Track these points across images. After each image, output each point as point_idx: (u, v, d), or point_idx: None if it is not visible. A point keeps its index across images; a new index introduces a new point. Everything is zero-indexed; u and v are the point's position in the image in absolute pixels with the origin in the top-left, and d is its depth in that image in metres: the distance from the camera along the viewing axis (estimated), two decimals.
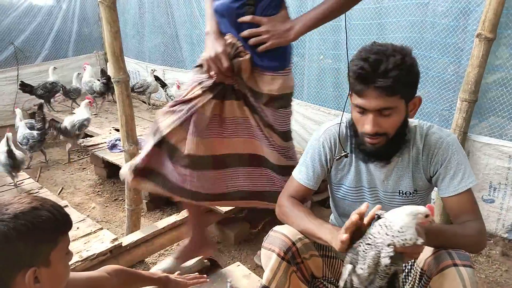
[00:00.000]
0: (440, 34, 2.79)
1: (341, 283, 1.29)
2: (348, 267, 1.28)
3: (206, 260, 2.39)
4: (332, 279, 1.62)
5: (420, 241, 1.19)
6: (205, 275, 1.89)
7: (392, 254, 1.17)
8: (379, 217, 1.30)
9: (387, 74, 1.31)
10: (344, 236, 1.26)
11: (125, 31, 5.60)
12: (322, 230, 1.43)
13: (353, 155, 1.60)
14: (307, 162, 1.67)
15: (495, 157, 2.69)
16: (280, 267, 1.48)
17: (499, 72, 2.65)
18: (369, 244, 1.21)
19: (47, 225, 1.06)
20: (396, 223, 1.18)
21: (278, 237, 1.51)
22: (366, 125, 1.39)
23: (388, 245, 1.17)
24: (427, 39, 2.85)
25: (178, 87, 4.59)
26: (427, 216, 1.19)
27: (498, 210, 2.75)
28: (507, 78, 2.60)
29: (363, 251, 1.23)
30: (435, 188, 1.59)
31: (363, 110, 1.40)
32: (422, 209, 1.20)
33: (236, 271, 2.12)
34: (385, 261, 1.17)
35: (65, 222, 1.12)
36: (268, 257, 1.50)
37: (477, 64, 2.60)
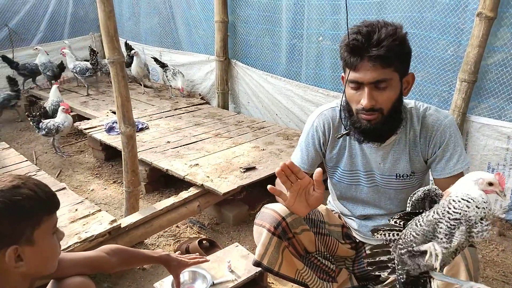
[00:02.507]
0: (440, 13, 2.75)
1: (437, 265, 1.16)
2: (434, 247, 1.16)
3: (205, 241, 2.41)
4: (326, 254, 1.63)
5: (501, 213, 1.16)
6: (205, 256, 1.91)
7: (490, 227, 1.11)
8: (429, 192, 1.25)
9: (380, 43, 1.31)
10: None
11: (121, 12, 5.51)
12: None
13: (347, 138, 1.60)
14: (302, 145, 1.68)
15: (493, 138, 2.69)
16: (271, 242, 1.49)
17: (500, 53, 2.62)
18: (457, 219, 1.13)
19: (28, 203, 1.05)
20: (477, 195, 1.12)
21: (268, 213, 1.53)
22: (362, 100, 1.38)
23: (482, 218, 1.11)
24: (427, 18, 2.81)
25: (182, 90, 4.57)
26: (490, 184, 1.12)
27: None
28: (508, 58, 2.57)
29: (449, 227, 1.14)
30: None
31: (358, 86, 1.39)
32: (487, 176, 1.13)
33: (235, 251, 2.14)
34: (485, 235, 1.10)
35: (50, 202, 1.11)
36: (260, 233, 1.52)
37: (477, 44, 2.57)
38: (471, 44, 2.60)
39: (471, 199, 1.13)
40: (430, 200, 1.25)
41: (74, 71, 4.86)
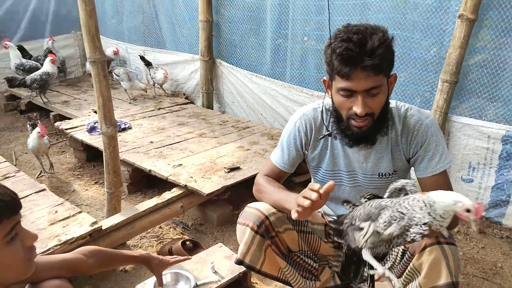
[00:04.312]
0: (422, 15, 2.78)
1: (363, 242, 1.22)
2: (369, 227, 1.21)
3: (188, 242, 2.39)
4: (309, 252, 1.63)
5: (446, 233, 1.16)
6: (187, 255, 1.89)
7: (426, 233, 1.10)
8: (406, 185, 1.25)
9: (374, 52, 1.29)
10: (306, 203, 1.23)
11: (103, 11, 5.43)
12: (288, 199, 1.44)
13: (329, 139, 1.60)
14: (283, 145, 1.68)
15: (474, 138, 2.73)
16: (254, 241, 1.49)
17: (480, 54, 2.66)
18: (402, 214, 1.13)
19: None
20: (439, 207, 1.10)
21: (251, 212, 1.53)
22: (356, 108, 1.37)
23: (425, 223, 1.10)
24: (410, 19, 2.84)
25: (166, 77, 4.50)
26: (468, 211, 1.08)
27: (476, 190, 2.80)
28: (488, 59, 2.61)
29: (391, 217, 1.15)
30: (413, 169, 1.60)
31: (350, 93, 1.38)
32: (467, 202, 1.09)
33: (218, 252, 2.12)
34: (416, 237, 1.11)
35: None
36: (243, 231, 1.51)
37: (458, 45, 2.61)
38: (452, 45, 2.64)
39: (429, 205, 1.11)
40: (405, 193, 1.26)
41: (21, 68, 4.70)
